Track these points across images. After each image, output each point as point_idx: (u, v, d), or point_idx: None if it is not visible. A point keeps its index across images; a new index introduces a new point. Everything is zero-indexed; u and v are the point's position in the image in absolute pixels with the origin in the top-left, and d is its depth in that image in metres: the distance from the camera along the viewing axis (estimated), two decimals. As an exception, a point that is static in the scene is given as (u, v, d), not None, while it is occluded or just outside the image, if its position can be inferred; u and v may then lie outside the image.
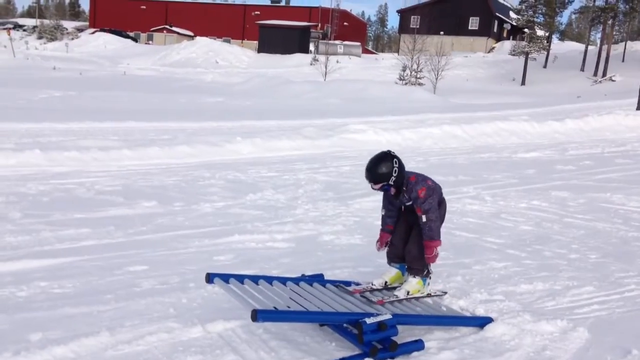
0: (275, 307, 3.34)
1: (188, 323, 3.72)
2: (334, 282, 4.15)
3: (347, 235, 5.85)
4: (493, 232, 6.10)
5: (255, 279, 3.86)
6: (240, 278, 3.80)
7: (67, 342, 3.38)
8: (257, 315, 3.09)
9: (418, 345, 3.51)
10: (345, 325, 3.54)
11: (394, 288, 4.14)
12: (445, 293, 4.27)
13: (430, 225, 3.94)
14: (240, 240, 5.56)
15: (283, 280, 3.95)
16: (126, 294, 4.19)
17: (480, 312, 4.03)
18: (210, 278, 3.72)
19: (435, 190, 4.02)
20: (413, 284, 4.07)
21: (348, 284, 4.19)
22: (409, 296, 4.01)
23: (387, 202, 4.18)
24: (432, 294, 4.17)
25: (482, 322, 3.84)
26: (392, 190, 3.98)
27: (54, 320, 3.68)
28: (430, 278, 4.19)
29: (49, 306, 3.91)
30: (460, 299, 4.24)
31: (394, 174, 3.89)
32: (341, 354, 3.43)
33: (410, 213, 4.10)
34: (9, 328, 3.57)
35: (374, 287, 4.13)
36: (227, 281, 3.70)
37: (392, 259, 4.25)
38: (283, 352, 3.43)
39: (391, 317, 3.48)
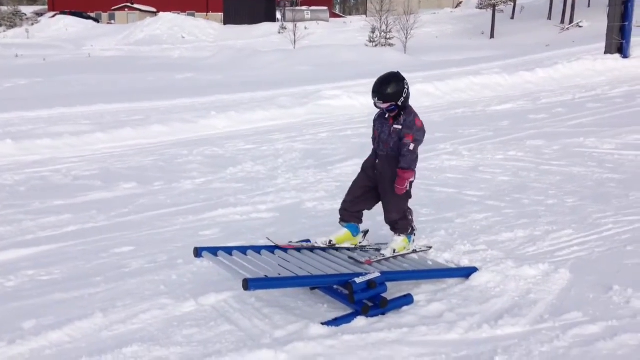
0: (265, 275, 3.39)
1: (180, 298, 3.76)
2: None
3: (330, 200, 5.90)
4: (472, 185, 6.20)
5: (243, 249, 3.90)
6: (229, 250, 3.83)
7: (61, 326, 3.40)
8: (249, 284, 3.14)
9: (407, 299, 3.60)
10: (335, 286, 3.61)
11: (346, 249, 4.14)
12: (430, 247, 4.35)
13: (412, 156, 3.91)
14: (224, 214, 5.58)
15: (271, 249, 4.00)
16: (115, 275, 4.21)
17: (465, 262, 4.13)
18: (198, 252, 3.75)
19: (423, 132, 4.00)
20: (398, 242, 4.12)
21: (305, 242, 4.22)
22: (395, 254, 4.06)
23: (374, 129, 4.15)
24: (418, 250, 4.23)
25: (467, 273, 3.94)
26: (394, 113, 3.91)
27: (46, 307, 3.69)
28: (415, 235, 4.25)
29: (38, 293, 3.91)
30: (445, 252, 4.33)
31: (404, 95, 3.84)
32: (334, 314, 3.51)
33: (380, 161, 4.03)
34: (1, 318, 3.57)
35: (316, 244, 4.10)
36: (215, 254, 3.74)
37: (342, 216, 4.22)
38: (277, 317, 3.50)
39: (379, 275, 3.56)
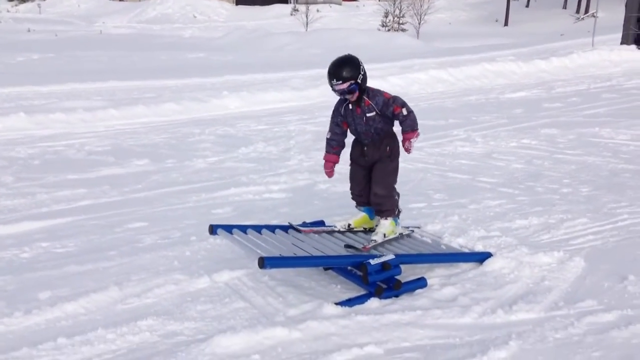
0: (280, 254, 3.39)
1: (194, 274, 3.78)
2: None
3: (343, 183, 5.79)
4: (486, 172, 6.16)
5: (257, 228, 3.90)
6: (243, 228, 3.84)
7: (76, 298, 3.43)
8: (264, 262, 3.14)
9: (421, 282, 3.60)
10: (349, 267, 3.61)
11: (360, 231, 4.12)
12: (419, 227, 4.27)
13: (411, 117, 3.85)
14: (237, 193, 5.59)
15: (285, 228, 4.01)
16: (129, 249, 4.23)
17: (479, 248, 4.12)
18: (213, 229, 3.76)
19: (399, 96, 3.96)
20: (387, 225, 4.00)
21: (319, 224, 4.20)
22: (385, 238, 3.95)
23: (335, 125, 4.05)
24: (405, 233, 4.15)
25: (481, 258, 3.93)
26: (355, 96, 3.82)
27: (61, 279, 3.72)
28: (399, 217, 4.15)
29: (53, 265, 3.95)
30: (458, 237, 4.31)
31: (362, 72, 3.78)
32: (347, 295, 3.51)
33: (368, 149, 3.97)
34: (17, 288, 3.61)
35: (335, 229, 4.10)
36: (230, 232, 3.74)
37: (358, 203, 4.21)
38: (290, 297, 3.51)
39: (394, 257, 3.56)
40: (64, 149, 7.37)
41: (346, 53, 3.95)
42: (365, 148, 4.02)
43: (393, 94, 3.98)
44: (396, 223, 4.08)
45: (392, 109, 3.85)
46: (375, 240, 3.89)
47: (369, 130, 3.93)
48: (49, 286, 3.60)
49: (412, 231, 4.25)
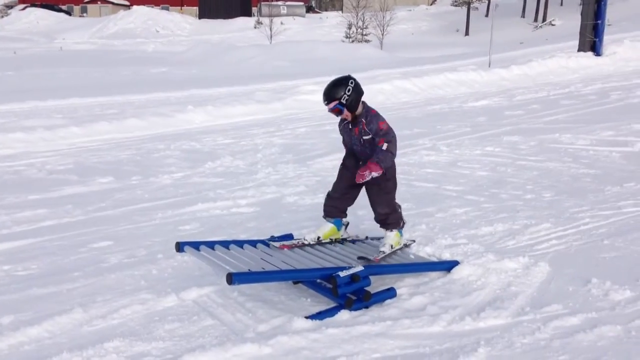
0: (249, 269, 3.37)
1: (161, 293, 3.72)
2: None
3: (311, 195, 5.89)
4: (451, 180, 6.24)
5: (225, 244, 3.87)
6: (211, 244, 3.80)
7: (40, 322, 3.33)
8: (233, 278, 3.11)
9: (390, 293, 3.62)
10: (318, 280, 3.60)
11: (330, 243, 4.13)
12: (414, 241, 4.37)
13: (387, 155, 3.87)
14: (204, 209, 5.54)
15: (253, 243, 3.98)
16: (94, 270, 4.14)
17: (446, 256, 4.16)
18: (180, 247, 3.71)
19: (392, 131, 3.99)
20: (392, 237, 4.12)
21: (287, 237, 4.20)
22: (392, 249, 4.06)
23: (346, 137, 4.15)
24: (407, 244, 4.27)
25: (449, 266, 3.97)
26: (345, 114, 3.89)
27: (24, 302, 3.62)
28: (403, 229, 4.24)
29: (15, 289, 3.84)
30: (426, 245, 4.34)
31: (347, 93, 3.84)
32: (317, 308, 3.50)
33: (357, 163, 4.05)
34: (-22, 314, 3.49)
35: (305, 242, 4.10)
36: (197, 248, 3.70)
37: (328, 213, 4.19)
38: (260, 312, 3.48)
39: (363, 268, 3.57)
40: (24, 168, 7.20)
41: (344, 74, 4.04)
42: (361, 163, 4.06)
43: (389, 125, 3.98)
44: (401, 234, 4.20)
45: (378, 140, 3.92)
46: (383, 252, 4.01)
47: (364, 151, 4.03)
48: (11, 310, 3.49)
49: (413, 241, 4.37)
